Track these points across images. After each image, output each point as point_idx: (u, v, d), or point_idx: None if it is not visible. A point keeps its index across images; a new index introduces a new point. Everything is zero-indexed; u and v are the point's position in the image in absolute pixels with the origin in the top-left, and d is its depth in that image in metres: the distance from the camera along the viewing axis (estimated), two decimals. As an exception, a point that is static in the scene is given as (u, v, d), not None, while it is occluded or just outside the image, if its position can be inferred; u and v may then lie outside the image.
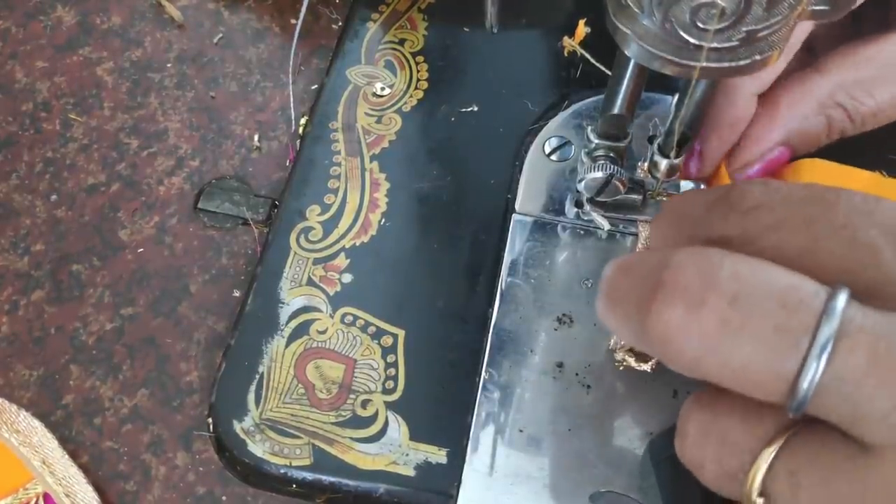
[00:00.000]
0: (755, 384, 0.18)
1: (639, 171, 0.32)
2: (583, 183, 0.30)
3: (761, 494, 0.18)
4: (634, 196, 0.32)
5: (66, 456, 0.30)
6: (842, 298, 0.17)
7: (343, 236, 0.33)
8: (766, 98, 0.31)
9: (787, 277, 0.18)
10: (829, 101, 0.30)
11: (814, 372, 0.17)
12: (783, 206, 0.20)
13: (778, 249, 0.19)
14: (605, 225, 0.32)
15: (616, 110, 0.27)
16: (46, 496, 0.30)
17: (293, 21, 0.36)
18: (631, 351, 0.29)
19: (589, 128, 0.30)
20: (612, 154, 0.30)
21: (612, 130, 0.29)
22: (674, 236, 0.23)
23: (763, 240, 0.20)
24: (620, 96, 0.27)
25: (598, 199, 0.31)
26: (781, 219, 0.20)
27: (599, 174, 0.29)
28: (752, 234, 0.20)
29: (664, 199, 0.32)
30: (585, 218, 0.33)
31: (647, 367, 0.29)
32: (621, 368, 0.29)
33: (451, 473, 0.28)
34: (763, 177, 0.31)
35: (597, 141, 0.29)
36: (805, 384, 0.17)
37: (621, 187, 0.30)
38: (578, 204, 0.33)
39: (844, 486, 0.17)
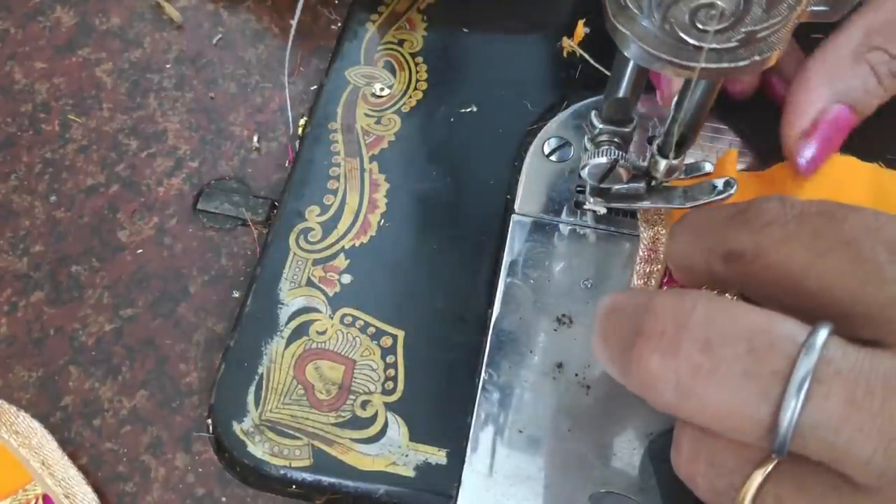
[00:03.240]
0: (733, 428, 0.18)
1: (643, 157, 0.31)
2: (586, 169, 0.29)
3: None
4: (638, 184, 0.30)
5: (66, 457, 0.30)
6: (820, 338, 0.17)
7: (342, 237, 0.33)
8: (800, 67, 0.30)
9: (761, 319, 0.18)
10: (863, 48, 0.30)
11: (790, 417, 0.17)
12: (795, 222, 0.20)
13: (783, 265, 0.19)
14: (603, 211, 0.32)
15: (621, 94, 0.26)
16: (46, 497, 0.30)
17: (292, 22, 0.36)
18: None
19: (593, 112, 0.29)
20: (616, 139, 0.29)
21: (616, 115, 0.28)
22: (691, 249, 0.23)
23: (771, 254, 0.20)
24: (625, 80, 0.26)
25: (602, 185, 0.30)
26: (791, 233, 0.20)
27: (603, 160, 0.28)
28: (762, 248, 0.20)
29: (667, 184, 0.31)
30: (588, 209, 0.32)
31: None
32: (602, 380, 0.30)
33: (451, 474, 0.28)
34: (836, 140, 0.31)
35: (601, 126, 0.28)
36: (782, 429, 0.17)
37: (625, 174, 0.29)
38: (578, 204, 0.33)
39: None
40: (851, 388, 0.17)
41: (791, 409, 0.17)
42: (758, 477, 0.18)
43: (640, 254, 0.31)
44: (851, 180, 0.32)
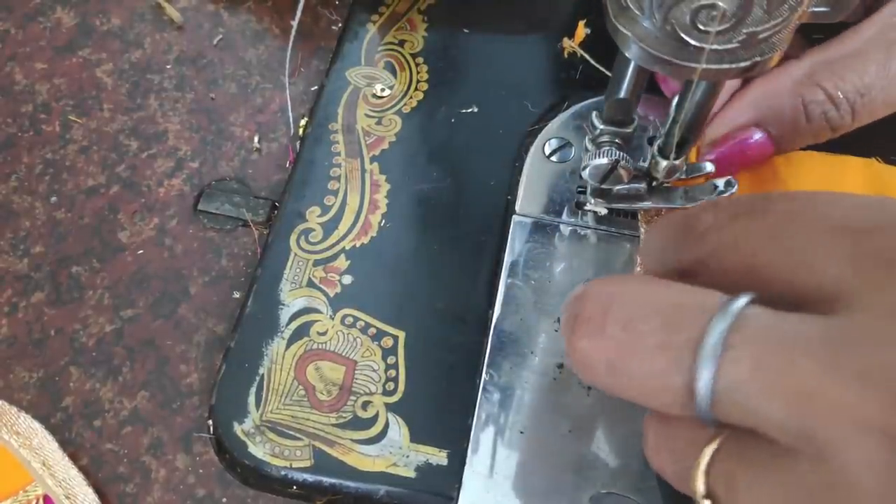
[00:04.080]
0: (657, 399, 0.19)
1: (643, 158, 0.31)
2: (587, 170, 0.29)
3: (707, 497, 0.19)
4: (639, 185, 0.31)
5: (67, 458, 0.30)
6: (735, 306, 0.17)
7: (343, 238, 0.33)
8: (744, 84, 0.30)
9: (677, 293, 0.19)
10: (805, 80, 0.29)
11: (703, 385, 0.17)
12: (727, 227, 0.20)
13: (725, 272, 0.20)
14: (604, 211, 0.32)
15: (622, 95, 0.27)
16: (47, 498, 0.30)
17: (293, 22, 0.36)
18: None
19: (593, 113, 0.29)
20: (617, 140, 0.29)
21: (617, 116, 0.28)
22: (659, 264, 0.23)
23: (711, 263, 0.20)
24: (626, 81, 0.26)
25: (603, 186, 0.30)
26: (724, 240, 0.20)
27: (604, 160, 0.28)
28: (704, 258, 0.21)
29: (668, 184, 0.31)
30: (589, 209, 0.32)
31: None
32: None
33: (452, 475, 0.28)
34: (737, 159, 0.30)
35: (602, 126, 0.28)
36: (699, 397, 0.17)
37: (626, 175, 0.29)
38: (579, 205, 0.33)
39: (772, 486, 0.17)
40: (759, 350, 0.17)
41: (703, 377, 0.17)
42: (706, 454, 0.19)
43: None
44: (846, 174, 0.32)
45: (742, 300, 0.18)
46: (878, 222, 0.18)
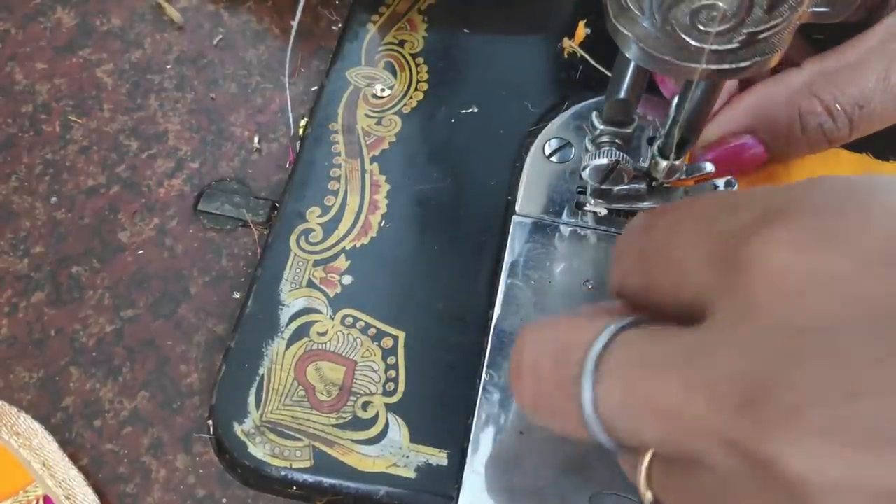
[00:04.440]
0: (571, 433, 0.19)
1: (643, 158, 0.31)
2: (587, 170, 0.29)
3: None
4: (639, 185, 0.31)
5: (67, 458, 0.30)
6: (604, 336, 0.18)
7: (343, 238, 0.33)
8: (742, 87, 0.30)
9: (567, 332, 0.20)
10: (802, 90, 0.28)
11: (588, 413, 0.18)
12: (631, 247, 0.21)
13: (633, 295, 0.21)
14: (604, 212, 0.32)
15: (622, 95, 0.26)
16: (47, 499, 0.30)
17: (293, 23, 0.36)
18: None
19: (593, 113, 0.29)
20: (617, 140, 0.29)
21: (617, 116, 0.28)
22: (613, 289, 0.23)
23: (625, 287, 0.21)
24: (626, 81, 0.26)
25: (603, 186, 0.30)
26: (627, 262, 0.21)
27: (604, 161, 0.28)
28: (620, 282, 0.21)
29: (668, 185, 0.31)
30: (589, 210, 0.32)
31: None
32: None
33: (452, 475, 0.28)
34: (730, 164, 0.30)
35: (602, 126, 0.28)
36: (588, 425, 0.18)
37: (626, 175, 0.29)
38: (579, 205, 0.33)
39: (688, 490, 0.17)
40: (629, 374, 0.17)
41: (586, 405, 0.18)
42: (645, 460, 0.19)
43: None
44: (838, 170, 0.32)
45: (613, 327, 0.18)
46: (739, 221, 0.17)
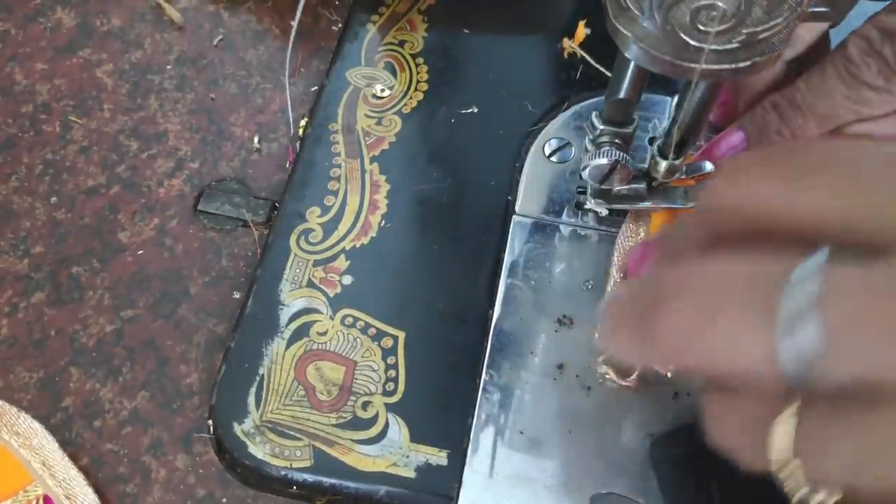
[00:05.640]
0: (748, 376, 0.18)
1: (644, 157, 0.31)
2: (587, 170, 0.29)
3: (793, 459, 0.18)
4: (639, 185, 0.31)
5: (67, 458, 0.30)
6: (809, 266, 0.17)
7: (343, 238, 0.33)
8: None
9: (749, 264, 0.18)
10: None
11: (790, 353, 0.17)
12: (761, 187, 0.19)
13: (778, 233, 0.19)
14: (604, 212, 0.32)
15: (622, 95, 0.27)
16: (47, 498, 0.30)
17: (293, 23, 0.36)
18: (613, 365, 0.29)
19: (593, 113, 0.29)
20: (617, 140, 0.29)
21: (617, 116, 0.28)
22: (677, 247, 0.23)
23: (761, 224, 0.19)
24: (626, 81, 0.26)
25: (603, 186, 0.30)
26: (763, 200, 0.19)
27: (604, 160, 0.28)
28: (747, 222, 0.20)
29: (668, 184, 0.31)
30: (589, 210, 0.32)
31: (628, 382, 0.29)
32: (603, 382, 0.30)
33: (452, 475, 0.28)
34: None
35: (602, 126, 0.28)
36: (794, 362, 0.17)
37: (626, 175, 0.29)
38: (579, 205, 0.33)
39: (861, 434, 0.17)
40: (860, 301, 0.16)
41: (788, 344, 0.17)
42: (786, 419, 0.18)
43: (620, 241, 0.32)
44: None
45: (821, 255, 0.17)
46: None
